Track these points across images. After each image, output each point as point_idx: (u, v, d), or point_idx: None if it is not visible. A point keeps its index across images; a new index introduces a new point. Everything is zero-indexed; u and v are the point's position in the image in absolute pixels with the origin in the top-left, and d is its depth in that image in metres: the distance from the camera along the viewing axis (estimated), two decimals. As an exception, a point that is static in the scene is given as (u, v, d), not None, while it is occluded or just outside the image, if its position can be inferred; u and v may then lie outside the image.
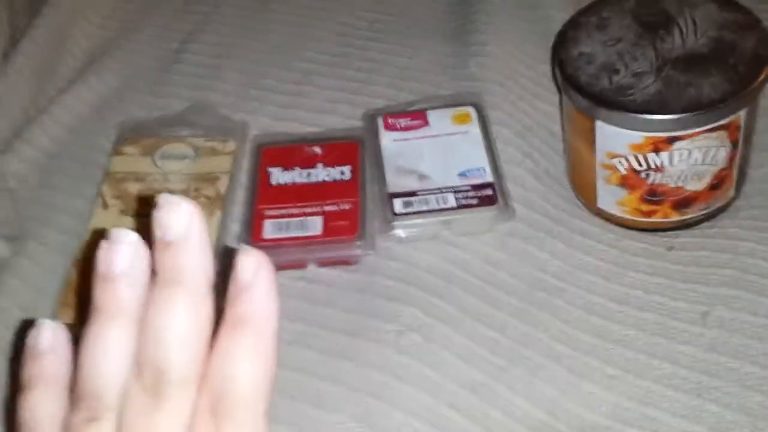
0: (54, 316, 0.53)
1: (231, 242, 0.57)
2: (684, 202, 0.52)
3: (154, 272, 0.31)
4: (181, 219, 0.30)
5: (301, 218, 0.56)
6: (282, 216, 0.56)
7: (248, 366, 0.31)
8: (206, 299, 0.31)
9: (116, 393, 0.30)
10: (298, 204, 0.57)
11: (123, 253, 0.31)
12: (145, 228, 0.31)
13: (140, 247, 0.31)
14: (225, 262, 0.31)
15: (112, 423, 0.30)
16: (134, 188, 0.59)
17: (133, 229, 0.31)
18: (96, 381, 0.31)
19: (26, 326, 0.34)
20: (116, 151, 0.62)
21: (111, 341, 0.31)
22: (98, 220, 0.57)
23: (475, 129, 0.60)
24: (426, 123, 0.61)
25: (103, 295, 0.31)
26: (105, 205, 0.58)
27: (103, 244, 0.31)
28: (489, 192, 0.56)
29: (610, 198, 0.53)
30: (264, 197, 0.57)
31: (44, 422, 0.32)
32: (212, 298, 0.31)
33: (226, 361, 0.31)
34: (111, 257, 0.31)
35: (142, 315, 0.30)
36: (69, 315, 0.53)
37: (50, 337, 0.33)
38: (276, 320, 0.31)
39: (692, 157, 0.49)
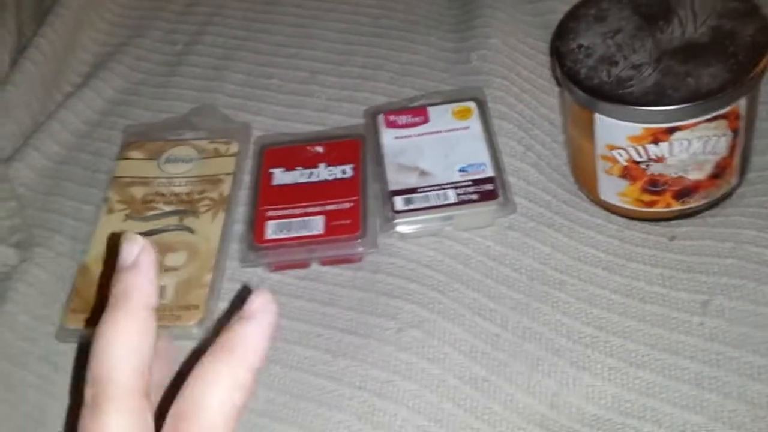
0: (62, 323, 0.54)
1: (234, 243, 0.57)
2: (685, 192, 0.52)
3: None
4: (133, 250, 0.34)
5: (302, 218, 0.56)
6: (284, 216, 0.56)
7: (222, 394, 0.32)
8: (148, 315, 0.33)
9: None
10: (300, 204, 0.57)
11: None
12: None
13: None
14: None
15: None
16: (140, 192, 0.60)
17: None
18: None
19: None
20: (122, 156, 0.63)
21: None
22: (104, 226, 0.58)
23: (476, 124, 0.60)
24: (427, 119, 0.61)
25: None
26: (111, 211, 0.59)
27: None
28: (490, 187, 0.56)
29: (612, 189, 0.53)
30: (266, 198, 0.58)
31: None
32: (155, 317, 0.34)
33: (201, 385, 0.32)
34: None
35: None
36: (77, 321, 0.53)
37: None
38: (262, 359, 0.33)
39: (692, 147, 0.49)
